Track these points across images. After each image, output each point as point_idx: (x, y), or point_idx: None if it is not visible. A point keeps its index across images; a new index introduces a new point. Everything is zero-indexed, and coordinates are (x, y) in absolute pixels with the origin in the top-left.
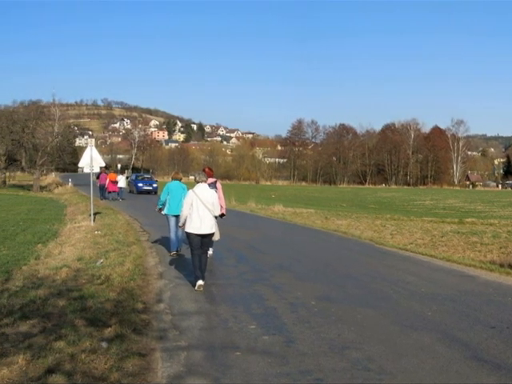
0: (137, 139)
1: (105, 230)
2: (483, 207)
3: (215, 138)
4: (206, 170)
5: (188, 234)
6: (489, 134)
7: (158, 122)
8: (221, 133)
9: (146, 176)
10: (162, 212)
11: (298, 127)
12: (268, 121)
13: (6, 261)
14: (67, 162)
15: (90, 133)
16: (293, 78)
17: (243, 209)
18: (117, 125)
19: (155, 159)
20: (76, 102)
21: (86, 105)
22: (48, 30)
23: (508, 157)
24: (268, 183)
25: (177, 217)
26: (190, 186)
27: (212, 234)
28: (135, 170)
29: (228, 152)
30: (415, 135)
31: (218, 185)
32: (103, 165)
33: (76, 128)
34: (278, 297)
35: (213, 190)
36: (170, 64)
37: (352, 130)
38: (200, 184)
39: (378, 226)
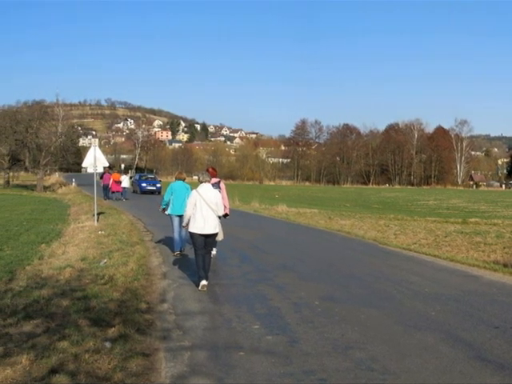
0: (140, 139)
1: (108, 230)
2: (487, 207)
3: (219, 138)
4: (210, 170)
5: (191, 234)
6: (492, 134)
7: (161, 122)
8: (224, 133)
9: (149, 176)
10: (166, 212)
11: (301, 127)
12: (271, 121)
13: (10, 261)
14: (71, 162)
15: (94, 133)
16: (296, 78)
17: (247, 209)
18: (120, 125)
19: (159, 159)
20: (80, 102)
21: (90, 105)
22: (51, 30)
23: (511, 157)
24: (271, 183)
25: (180, 217)
26: (194, 186)
27: (215, 234)
28: (139, 170)
29: (231, 152)
30: (419, 135)
31: (222, 185)
32: (107, 165)
33: (80, 128)
34: (281, 297)
35: (216, 190)
36: (173, 64)
37: (355, 130)
38: (204, 184)
39: (381, 225)
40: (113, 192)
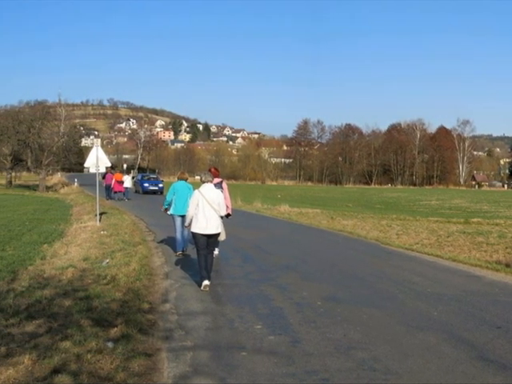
0: (143, 139)
1: (111, 230)
2: (489, 207)
3: (221, 138)
4: (212, 170)
5: (194, 234)
6: (495, 134)
7: (163, 122)
8: (227, 133)
9: (151, 176)
10: (168, 212)
11: (303, 127)
12: (274, 121)
13: (12, 261)
14: (73, 162)
15: (96, 133)
16: (299, 78)
17: (249, 209)
18: (123, 125)
19: (161, 159)
20: (82, 102)
21: (92, 105)
22: (54, 31)
23: None
24: (274, 183)
25: (183, 217)
26: (196, 186)
27: (218, 234)
28: (141, 170)
29: (234, 152)
30: (421, 135)
31: (224, 185)
32: (109, 165)
33: (82, 128)
34: (283, 297)
35: (219, 190)
36: (175, 64)
37: (358, 130)
38: (206, 184)
39: (383, 226)
40: (115, 192)
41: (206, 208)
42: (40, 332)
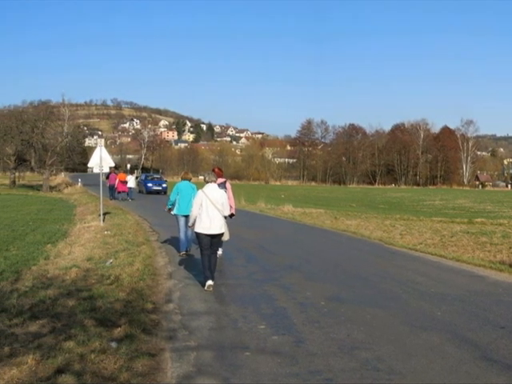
0: (146, 139)
1: (114, 230)
2: (493, 207)
3: (225, 138)
4: (216, 170)
5: (197, 234)
6: (498, 134)
7: (167, 122)
8: (230, 133)
9: (155, 176)
10: (172, 212)
11: (307, 127)
12: (277, 121)
13: (16, 261)
14: (77, 162)
15: (100, 133)
16: (302, 79)
17: (253, 209)
18: (126, 125)
19: (165, 159)
20: (85, 102)
21: (96, 105)
22: (57, 31)
23: None
24: (277, 183)
25: (186, 217)
26: (200, 186)
27: (221, 234)
28: (145, 170)
29: (237, 152)
30: (425, 135)
31: (228, 185)
32: (113, 165)
33: (85, 128)
34: (287, 297)
35: (222, 190)
36: (179, 64)
37: (361, 130)
38: (209, 184)
39: (387, 226)
40: (119, 192)
41: (209, 208)
42: (43, 332)
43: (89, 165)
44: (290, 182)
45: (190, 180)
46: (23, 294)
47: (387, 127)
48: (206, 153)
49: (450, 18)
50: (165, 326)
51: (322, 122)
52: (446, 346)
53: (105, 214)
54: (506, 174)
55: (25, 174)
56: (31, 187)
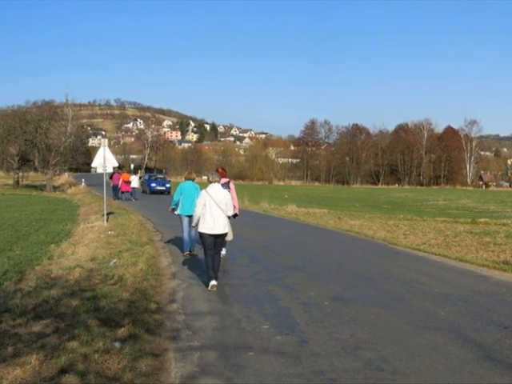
0: (150, 139)
1: (118, 230)
2: (496, 207)
3: (228, 138)
4: (219, 170)
5: (201, 234)
6: (502, 134)
7: (171, 122)
8: (234, 133)
9: (159, 176)
10: (175, 212)
11: (310, 127)
12: (281, 121)
13: (19, 261)
14: (80, 162)
15: (103, 133)
16: (306, 78)
17: (256, 209)
18: (130, 125)
19: (168, 159)
20: (89, 102)
21: (99, 105)
22: (61, 31)
23: None
24: (281, 183)
25: (190, 217)
26: (203, 186)
27: (225, 234)
28: (148, 170)
29: (241, 152)
30: (428, 135)
31: (231, 185)
32: (116, 165)
33: (89, 128)
34: (291, 297)
35: (226, 190)
36: (183, 64)
37: (365, 130)
38: (213, 184)
39: (390, 226)
40: (122, 192)
41: (213, 208)
42: (47, 332)
43: (92, 165)
44: (293, 182)
45: (193, 180)
46: (27, 294)
47: (391, 127)
48: (210, 153)
49: (453, 18)
50: (168, 326)
51: (325, 122)
52: (449, 346)
53: (108, 214)
54: (509, 174)
55: (28, 174)
56: (35, 187)
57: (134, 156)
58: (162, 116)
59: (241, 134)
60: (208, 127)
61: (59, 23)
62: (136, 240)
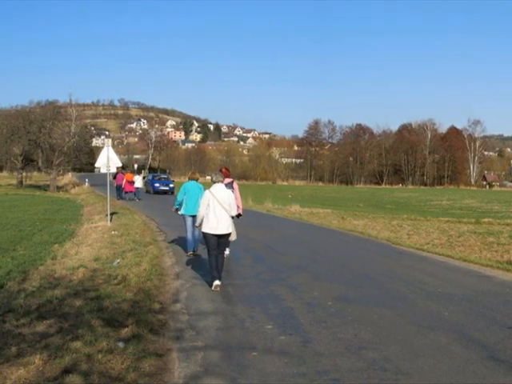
0: (153, 139)
1: (121, 230)
2: (500, 207)
3: (232, 138)
4: (223, 170)
5: (205, 234)
6: (505, 134)
7: (174, 122)
8: (237, 133)
9: (162, 176)
10: (179, 212)
11: (314, 127)
12: (285, 121)
13: (23, 261)
14: (84, 162)
15: (107, 133)
16: (309, 78)
17: (260, 209)
18: (133, 125)
19: (172, 159)
20: (93, 102)
21: (103, 105)
22: (64, 31)
23: None
24: (285, 183)
25: (193, 217)
26: (207, 186)
27: (229, 234)
28: (152, 170)
29: (245, 152)
30: (432, 135)
31: (235, 185)
32: (120, 165)
33: (93, 128)
34: (294, 297)
35: (229, 190)
36: (186, 64)
37: (369, 130)
38: (217, 184)
39: (394, 226)
40: (126, 192)
41: (216, 208)
42: (51, 332)
43: (96, 165)
44: (297, 182)
45: (197, 180)
46: (30, 294)
47: (394, 127)
48: (213, 153)
49: (457, 18)
50: (172, 326)
51: (329, 122)
52: (453, 346)
53: (112, 214)
54: None
55: (32, 174)
56: (38, 187)
57: (137, 156)
58: (165, 116)
59: (244, 134)
60: (211, 127)
61: (63, 23)
62: (139, 240)
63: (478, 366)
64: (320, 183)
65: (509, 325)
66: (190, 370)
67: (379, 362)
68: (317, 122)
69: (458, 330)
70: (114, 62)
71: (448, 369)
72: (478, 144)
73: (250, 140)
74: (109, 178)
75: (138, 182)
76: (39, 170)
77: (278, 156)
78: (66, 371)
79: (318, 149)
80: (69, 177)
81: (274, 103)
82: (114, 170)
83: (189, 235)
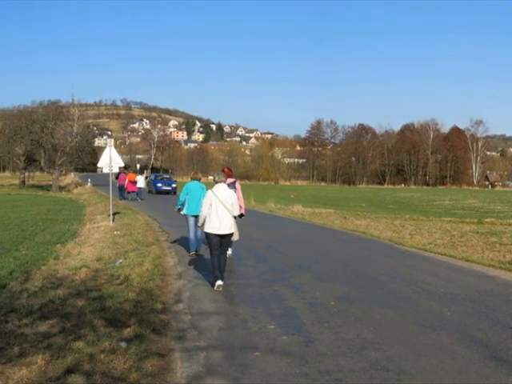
0: (156, 139)
1: (124, 230)
2: (502, 207)
3: (234, 138)
4: (225, 170)
5: (207, 234)
6: (508, 134)
7: (176, 122)
8: (240, 133)
9: (165, 176)
10: (181, 212)
11: (317, 127)
12: (287, 121)
13: (25, 261)
14: (86, 162)
15: (109, 133)
16: (311, 78)
17: (262, 209)
18: (136, 125)
19: (174, 159)
20: (95, 102)
21: (105, 105)
22: (67, 31)
23: None
24: (287, 183)
25: (196, 217)
26: (209, 186)
27: (231, 234)
28: (154, 170)
29: (247, 152)
30: (434, 135)
31: (237, 185)
32: (122, 165)
33: (95, 128)
34: (297, 297)
35: (232, 190)
36: (189, 64)
37: (371, 130)
38: (219, 184)
39: (396, 226)
40: (128, 192)
41: (219, 208)
42: (53, 332)
43: (98, 165)
44: (299, 182)
45: (199, 180)
46: (33, 293)
47: (397, 127)
48: (216, 153)
49: (460, 18)
50: (174, 326)
51: (331, 122)
52: (455, 346)
53: (114, 214)
54: None
55: (34, 174)
56: (41, 187)
57: (139, 156)
58: (168, 116)
59: (247, 134)
60: (214, 127)
61: (65, 23)
62: (142, 240)
63: (480, 366)
64: (322, 183)
65: (511, 325)
66: (193, 370)
67: (382, 362)
68: (319, 122)
69: (460, 330)
70: (116, 62)
71: (450, 369)
72: (480, 144)
73: (253, 140)
74: (111, 178)
75: (141, 181)
76: (41, 170)
77: (280, 156)
78: (69, 371)
79: (320, 149)
80: (71, 177)
81: (276, 103)
82: (116, 170)
83: (191, 235)
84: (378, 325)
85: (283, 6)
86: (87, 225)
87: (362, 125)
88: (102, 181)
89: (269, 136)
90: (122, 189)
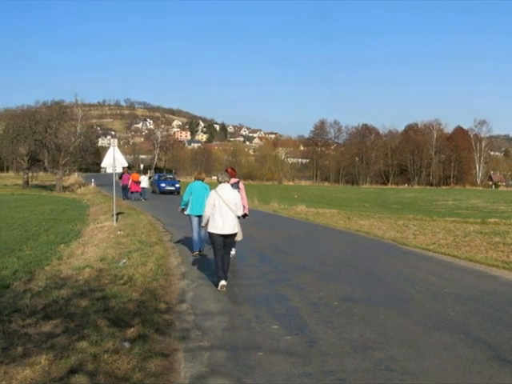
0: (159, 139)
1: (127, 230)
2: (506, 207)
3: (238, 139)
4: (229, 170)
5: (211, 234)
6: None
7: (180, 123)
8: (243, 133)
9: (168, 176)
10: (185, 212)
11: (320, 127)
12: (291, 121)
13: (29, 261)
14: (90, 162)
15: (113, 133)
16: (316, 79)
17: (266, 209)
18: (139, 125)
19: (178, 159)
20: (99, 102)
21: (109, 105)
22: (70, 30)
23: None
24: (291, 183)
25: (199, 217)
26: (213, 186)
27: (235, 234)
28: (158, 170)
29: (251, 152)
30: (438, 135)
31: (241, 185)
32: (126, 165)
33: (99, 128)
34: (300, 297)
35: (235, 191)
36: (192, 64)
37: (374, 131)
38: (223, 184)
39: (400, 226)
40: (132, 192)
41: (222, 208)
42: (57, 332)
43: (102, 165)
44: (303, 182)
45: (203, 180)
46: (36, 294)
47: (400, 127)
48: (219, 153)
49: (462, 18)
50: (178, 326)
51: (335, 122)
52: (459, 346)
53: (118, 214)
54: None
55: (38, 174)
56: (44, 187)
57: (143, 156)
58: (171, 116)
59: (250, 134)
60: (217, 127)
61: (68, 23)
62: (145, 240)
63: (483, 366)
64: (326, 183)
65: None
66: (196, 370)
67: (385, 362)
68: (323, 122)
69: (463, 330)
70: (119, 62)
71: (454, 369)
72: (483, 144)
73: (256, 140)
74: (115, 178)
75: (144, 182)
76: (45, 170)
77: (283, 156)
78: (72, 371)
79: (323, 149)
80: (75, 177)
81: (279, 103)
82: (119, 170)
83: (195, 235)
84: (381, 325)
85: (287, 6)
86: (91, 225)
87: (366, 125)
88: (105, 181)
89: (272, 136)
90: (125, 189)
